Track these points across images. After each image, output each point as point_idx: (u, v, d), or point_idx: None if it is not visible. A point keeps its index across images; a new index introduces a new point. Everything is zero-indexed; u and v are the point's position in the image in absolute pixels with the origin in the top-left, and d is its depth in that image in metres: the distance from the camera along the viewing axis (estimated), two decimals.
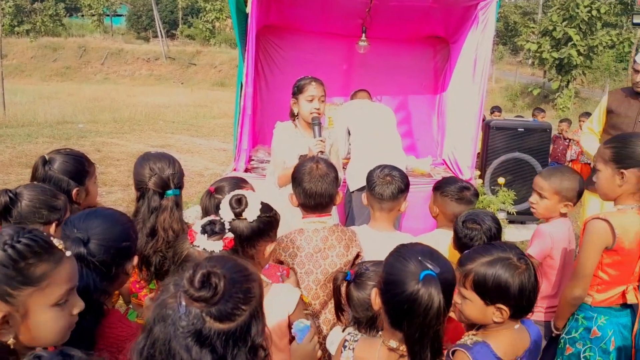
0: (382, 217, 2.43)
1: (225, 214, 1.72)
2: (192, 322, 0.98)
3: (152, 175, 2.10)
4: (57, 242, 1.18)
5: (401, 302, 1.37)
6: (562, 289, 2.39)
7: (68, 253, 1.20)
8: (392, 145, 4.04)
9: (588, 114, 8.90)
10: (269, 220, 1.80)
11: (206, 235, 1.54)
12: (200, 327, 0.98)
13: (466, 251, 1.71)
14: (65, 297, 1.18)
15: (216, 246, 1.53)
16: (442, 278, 1.37)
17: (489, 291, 1.57)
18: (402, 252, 1.46)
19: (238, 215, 1.72)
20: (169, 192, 2.08)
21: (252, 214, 1.73)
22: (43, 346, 1.12)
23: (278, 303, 1.79)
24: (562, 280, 2.45)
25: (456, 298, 1.62)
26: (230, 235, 1.58)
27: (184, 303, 1.00)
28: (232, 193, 1.77)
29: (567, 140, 8.55)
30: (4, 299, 1.10)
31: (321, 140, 2.97)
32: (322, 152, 2.91)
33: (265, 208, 1.79)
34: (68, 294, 1.19)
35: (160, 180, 2.09)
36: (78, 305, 1.23)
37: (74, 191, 2.09)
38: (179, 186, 2.15)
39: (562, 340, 2.35)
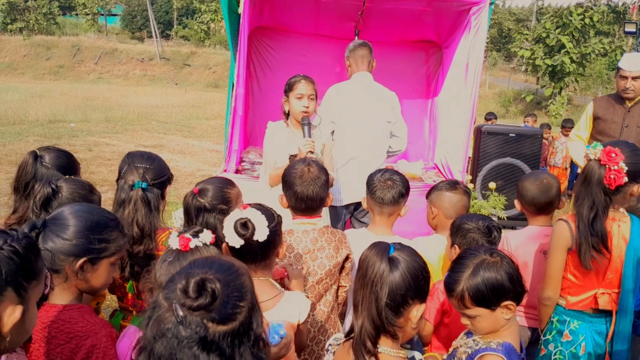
0: (382, 221, 2.42)
1: (233, 240, 1.66)
2: (195, 330, 0.97)
3: (125, 166, 2.08)
4: None
5: (358, 268, 1.52)
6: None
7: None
8: (371, 160, 3.62)
9: (570, 121, 9.08)
10: (276, 230, 1.76)
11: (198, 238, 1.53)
12: (204, 334, 0.97)
13: (444, 279, 1.71)
14: None
15: (206, 237, 1.53)
16: (402, 257, 1.46)
17: (490, 297, 1.59)
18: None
19: (248, 239, 1.66)
20: (137, 183, 2.02)
21: (262, 233, 1.68)
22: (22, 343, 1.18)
23: (290, 310, 1.79)
24: (538, 284, 2.46)
25: (464, 321, 1.66)
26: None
27: (181, 314, 0.98)
28: (234, 217, 1.69)
29: (549, 144, 8.71)
30: (20, 293, 1.12)
31: (311, 141, 2.96)
32: (311, 152, 2.90)
33: (269, 217, 1.74)
34: None
35: (131, 171, 2.05)
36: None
37: None
38: (154, 184, 2.07)
39: (540, 342, 2.38)
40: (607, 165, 2.08)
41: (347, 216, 3.74)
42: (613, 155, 2.07)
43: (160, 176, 2.12)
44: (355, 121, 3.59)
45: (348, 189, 3.53)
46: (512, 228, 6.05)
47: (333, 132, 3.60)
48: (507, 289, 1.58)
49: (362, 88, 3.68)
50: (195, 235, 1.52)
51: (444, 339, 2.21)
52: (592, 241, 2.12)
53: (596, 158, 2.11)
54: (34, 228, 1.44)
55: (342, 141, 3.59)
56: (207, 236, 1.54)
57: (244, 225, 1.66)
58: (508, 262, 1.62)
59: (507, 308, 1.60)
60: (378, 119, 3.65)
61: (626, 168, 2.07)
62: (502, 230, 2.31)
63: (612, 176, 2.07)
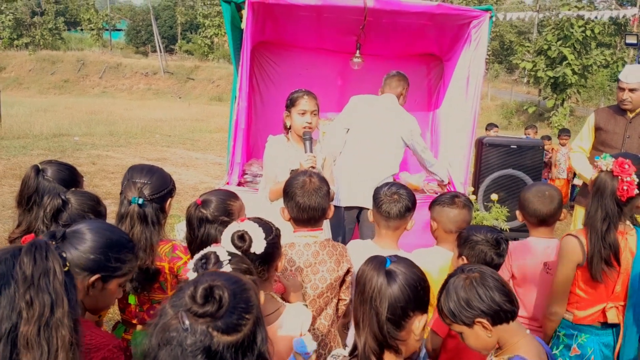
0: (387, 235, 2.43)
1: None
2: (200, 339, 0.97)
3: (125, 181, 2.11)
4: None
5: (356, 284, 1.51)
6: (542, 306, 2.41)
7: None
8: (379, 168, 3.79)
9: (566, 131, 9.02)
10: (274, 242, 1.76)
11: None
12: (208, 343, 0.97)
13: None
14: None
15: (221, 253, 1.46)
16: (399, 270, 1.45)
17: (460, 315, 1.57)
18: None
19: (245, 252, 1.65)
20: (133, 199, 2.04)
21: (259, 245, 1.68)
22: None
23: (292, 323, 1.78)
24: (539, 297, 2.45)
25: (461, 338, 1.67)
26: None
27: (187, 322, 0.98)
28: (231, 230, 1.68)
29: (548, 157, 8.60)
30: None
31: (312, 156, 2.96)
32: (313, 167, 2.90)
33: (267, 230, 1.74)
34: None
35: (129, 186, 2.08)
36: None
37: None
38: (152, 199, 2.09)
39: None
40: (619, 177, 2.07)
41: (351, 224, 3.75)
42: (626, 166, 2.07)
43: (160, 191, 2.12)
44: (371, 129, 3.81)
45: (349, 191, 3.63)
46: (515, 239, 6.04)
47: (348, 130, 3.83)
48: (473, 307, 1.55)
49: (385, 102, 3.95)
50: (217, 262, 1.41)
51: (452, 351, 2.20)
52: (604, 254, 2.11)
53: (608, 169, 2.10)
54: (53, 238, 1.44)
55: (354, 144, 3.80)
56: (221, 252, 1.44)
57: (241, 238, 1.66)
58: (484, 280, 1.57)
59: (481, 325, 1.56)
60: (393, 133, 3.86)
61: (637, 180, 2.07)
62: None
63: (625, 187, 2.06)
